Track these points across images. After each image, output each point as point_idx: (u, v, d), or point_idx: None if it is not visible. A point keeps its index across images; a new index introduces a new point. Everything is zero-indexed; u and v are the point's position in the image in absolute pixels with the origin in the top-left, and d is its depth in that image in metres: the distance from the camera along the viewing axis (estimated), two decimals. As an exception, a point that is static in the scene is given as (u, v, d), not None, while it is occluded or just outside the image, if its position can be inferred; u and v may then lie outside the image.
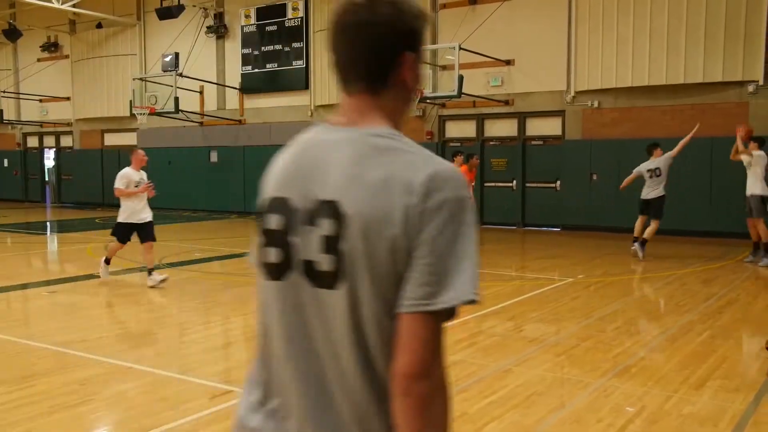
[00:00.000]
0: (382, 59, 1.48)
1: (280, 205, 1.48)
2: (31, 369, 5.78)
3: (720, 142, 13.84)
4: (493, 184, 17.37)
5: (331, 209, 1.39)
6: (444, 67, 16.80)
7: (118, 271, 10.88)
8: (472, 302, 1.33)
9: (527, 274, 10.69)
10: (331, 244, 1.38)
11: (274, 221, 1.48)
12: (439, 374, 1.37)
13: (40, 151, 27.13)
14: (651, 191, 11.68)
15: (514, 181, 17.02)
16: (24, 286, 9.80)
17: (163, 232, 15.06)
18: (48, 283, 10.09)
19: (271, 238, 1.49)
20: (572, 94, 16.11)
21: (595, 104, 15.89)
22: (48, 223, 19.77)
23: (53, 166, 26.93)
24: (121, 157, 23.96)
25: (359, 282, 1.37)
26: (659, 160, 11.65)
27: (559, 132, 16.51)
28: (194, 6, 21.24)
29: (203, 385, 5.35)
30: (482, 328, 7.25)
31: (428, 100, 16.72)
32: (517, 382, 5.36)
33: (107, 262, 9.54)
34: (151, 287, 9.08)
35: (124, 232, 9.37)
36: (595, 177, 15.84)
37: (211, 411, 4.75)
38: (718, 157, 13.54)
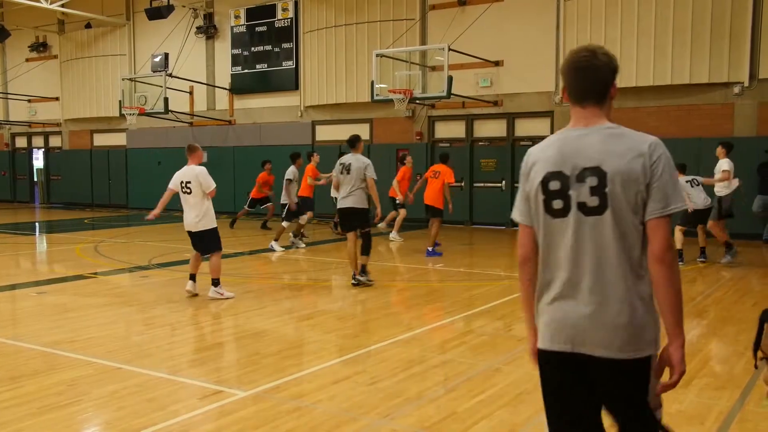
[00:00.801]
0: (605, 86, 2.54)
1: (557, 175, 2.51)
2: (19, 370, 5.76)
3: (706, 143, 13.96)
4: (482, 184, 17.43)
5: (595, 171, 2.44)
6: (433, 68, 16.86)
7: (108, 272, 10.86)
8: (683, 208, 2.48)
9: (515, 274, 10.72)
10: (597, 190, 2.44)
11: (554, 185, 2.51)
12: (674, 248, 2.44)
13: (28, 151, 26.99)
14: (704, 199, 11.20)
15: (504, 182, 17.08)
16: (12, 287, 9.75)
17: (153, 232, 15.05)
18: (37, 283, 10.05)
19: (555, 194, 2.51)
20: (560, 94, 16.16)
21: (583, 104, 15.98)
22: (37, 224, 19.68)
23: (42, 167, 26.81)
24: (110, 157, 23.90)
25: (618, 207, 2.42)
26: (692, 176, 11.44)
27: (547, 132, 16.58)
28: (184, 6, 21.20)
29: (193, 386, 5.35)
30: (472, 328, 7.29)
31: (417, 101, 16.75)
32: (506, 381, 5.38)
33: (217, 283, 8.68)
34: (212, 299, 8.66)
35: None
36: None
37: (200, 411, 4.76)
38: (705, 158, 13.63)
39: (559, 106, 16.28)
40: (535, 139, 16.77)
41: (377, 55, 15.97)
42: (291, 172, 13.48)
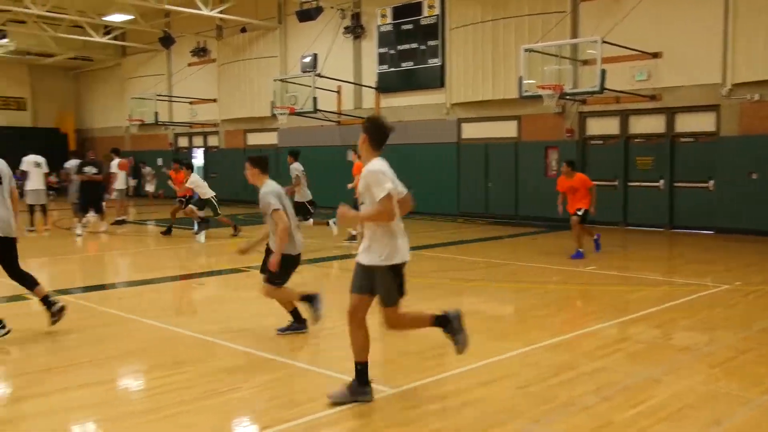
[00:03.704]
0: None
1: None
2: (181, 356, 6.08)
3: None
4: (637, 183, 16.51)
5: None
6: (585, 62, 16.18)
7: (260, 266, 11.26)
8: None
9: (676, 279, 10.07)
10: None
11: None
12: None
13: (189, 150, 28.80)
14: None
15: (662, 181, 16.08)
16: (174, 278, 10.37)
17: (302, 229, 15.51)
18: (199, 275, 10.64)
19: None
20: (728, 86, 14.97)
21: (756, 97, 14.68)
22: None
23: (201, 165, 28.49)
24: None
25: None
26: None
27: (712, 128, 15.43)
28: (332, 7, 21.75)
29: (340, 380, 5.38)
30: (627, 335, 6.91)
31: (568, 97, 16.17)
32: (667, 393, 5.05)
33: None
34: None
35: None
36: (754, 176, 14.63)
37: (348, 406, 4.79)
38: None
39: (727, 98, 15.08)
40: (698, 135, 15.67)
41: (526, 50, 15.58)
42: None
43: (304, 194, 13.83)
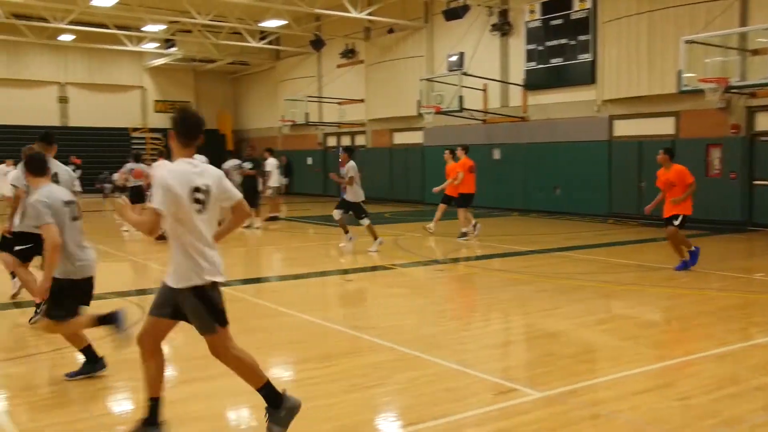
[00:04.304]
0: None
1: None
2: (330, 349, 6.24)
3: None
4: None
5: None
6: (756, 52, 14.94)
7: (406, 264, 11.38)
8: None
9: None
10: None
11: None
12: None
13: (336, 149, 29.63)
14: None
15: None
16: (323, 273, 10.67)
17: (445, 227, 15.52)
18: (344, 271, 10.88)
19: None
20: None
21: None
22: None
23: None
24: (408, 154, 25.28)
25: None
26: None
27: None
28: (479, 5, 21.55)
29: (486, 381, 5.32)
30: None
31: (734, 90, 15.03)
32: None
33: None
34: None
35: None
36: None
37: (496, 407, 4.70)
38: None
39: None
40: None
41: (687, 42, 14.65)
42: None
43: (357, 194, 12.71)
